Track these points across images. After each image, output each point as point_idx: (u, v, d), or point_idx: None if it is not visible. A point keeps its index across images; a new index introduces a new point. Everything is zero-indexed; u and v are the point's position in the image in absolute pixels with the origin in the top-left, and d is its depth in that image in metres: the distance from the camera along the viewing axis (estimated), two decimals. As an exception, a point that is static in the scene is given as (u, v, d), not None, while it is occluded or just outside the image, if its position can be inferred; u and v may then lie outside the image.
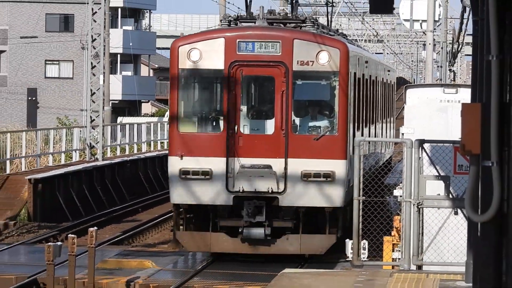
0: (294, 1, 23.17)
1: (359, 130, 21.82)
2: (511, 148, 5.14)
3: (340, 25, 49.91)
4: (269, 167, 17.99)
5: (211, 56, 18.31)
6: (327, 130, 18.41)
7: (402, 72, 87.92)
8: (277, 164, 18.11)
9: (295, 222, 18.12)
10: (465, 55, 50.07)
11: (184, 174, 18.04)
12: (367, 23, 54.90)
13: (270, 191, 17.96)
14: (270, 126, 18.56)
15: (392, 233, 17.04)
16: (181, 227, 18.58)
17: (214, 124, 18.91)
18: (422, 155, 15.45)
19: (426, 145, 15.69)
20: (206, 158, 18.14)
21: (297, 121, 18.74)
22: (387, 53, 71.47)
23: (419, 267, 15.83)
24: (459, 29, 31.78)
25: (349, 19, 58.10)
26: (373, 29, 58.63)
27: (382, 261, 16.96)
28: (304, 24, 19.37)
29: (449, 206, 15.45)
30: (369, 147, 23.24)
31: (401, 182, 16.30)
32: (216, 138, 18.32)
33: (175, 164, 18.25)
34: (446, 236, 15.59)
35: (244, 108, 18.74)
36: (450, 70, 40.11)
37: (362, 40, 56.28)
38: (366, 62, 24.20)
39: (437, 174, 15.54)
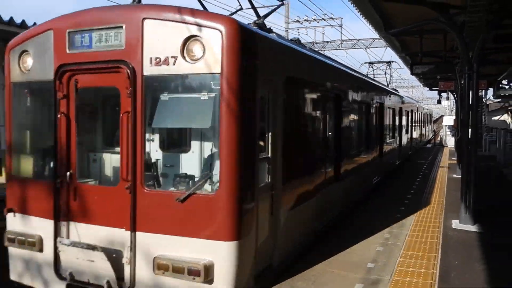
0: None
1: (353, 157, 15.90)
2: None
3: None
4: (96, 248, 9.32)
5: (42, 60, 10.09)
6: (200, 183, 9.03)
7: (441, 113, 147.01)
8: (121, 240, 9.33)
9: None
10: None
11: (10, 241, 10.24)
12: (431, 100, 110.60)
13: (106, 286, 9.39)
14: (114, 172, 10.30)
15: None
16: None
17: (46, 166, 10.31)
18: (446, 128, 61.95)
19: (447, 126, 62.68)
20: (36, 219, 10.09)
21: (152, 166, 9.95)
22: (438, 109, 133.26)
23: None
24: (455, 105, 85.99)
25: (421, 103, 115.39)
26: (436, 103, 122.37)
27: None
28: None
29: (451, 135, 64.32)
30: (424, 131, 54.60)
31: (442, 133, 65.10)
32: (46, 188, 9.98)
33: (8, 224, 10.42)
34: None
35: (81, 143, 10.27)
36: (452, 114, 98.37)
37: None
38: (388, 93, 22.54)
39: (450, 133, 60.65)
